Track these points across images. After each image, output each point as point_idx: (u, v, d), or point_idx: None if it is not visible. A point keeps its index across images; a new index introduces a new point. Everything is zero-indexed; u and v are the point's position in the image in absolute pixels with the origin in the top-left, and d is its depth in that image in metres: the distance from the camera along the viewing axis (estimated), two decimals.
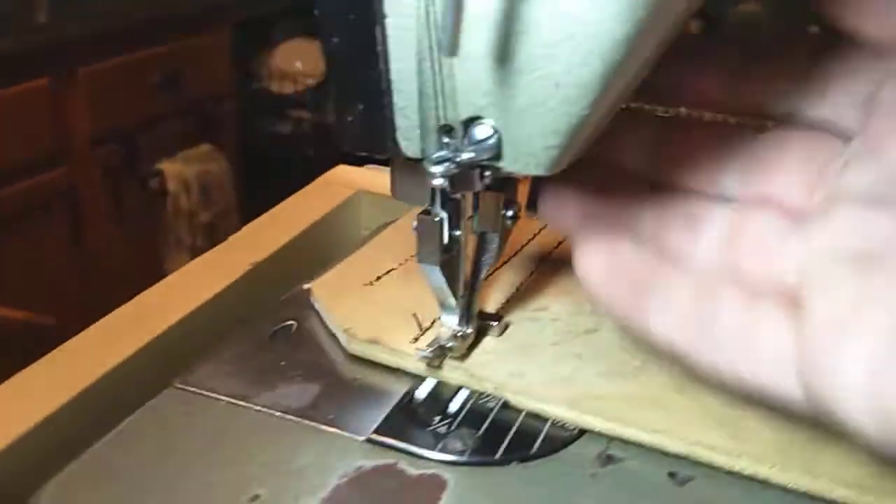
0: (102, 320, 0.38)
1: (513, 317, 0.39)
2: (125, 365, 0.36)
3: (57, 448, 0.32)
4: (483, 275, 0.37)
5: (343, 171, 0.56)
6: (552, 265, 0.44)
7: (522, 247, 0.46)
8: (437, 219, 0.33)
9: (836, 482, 0.30)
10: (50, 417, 0.33)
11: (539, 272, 0.43)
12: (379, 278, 0.42)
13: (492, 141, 0.28)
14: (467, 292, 0.36)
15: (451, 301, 0.36)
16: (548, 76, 0.26)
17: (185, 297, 0.41)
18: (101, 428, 0.33)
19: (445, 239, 0.34)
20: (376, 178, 0.54)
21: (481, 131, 0.28)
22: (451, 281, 0.35)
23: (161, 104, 1.47)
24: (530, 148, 0.28)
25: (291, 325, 0.40)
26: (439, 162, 0.28)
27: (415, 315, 0.38)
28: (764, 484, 0.31)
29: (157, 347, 0.37)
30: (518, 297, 0.41)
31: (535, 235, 0.47)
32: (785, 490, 0.30)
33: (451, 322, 0.36)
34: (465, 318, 0.36)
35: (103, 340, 0.37)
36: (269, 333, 0.39)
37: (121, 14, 1.40)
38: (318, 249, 0.49)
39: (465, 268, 0.36)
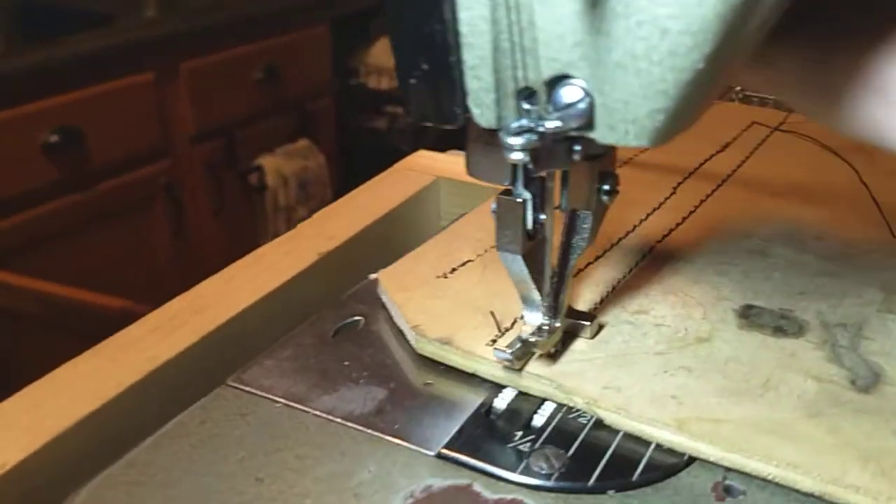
0: (157, 311, 0.35)
1: (609, 318, 0.34)
2: (176, 360, 0.33)
3: (95, 450, 0.29)
4: (573, 260, 0.32)
5: (422, 157, 0.52)
6: (656, 260, 0.39)
7: (620, 239, 0.41)
8: (518, 200, 0.28)
9: None
10: (90, 416, 0.30)
11: (640, 268, 0.38)
12: (454, 270, 0.38)
13: (582, 106, 0.23)
14: (555, 280, 0.31)
15: (535, 295, 0.31)
16: (651, 21, 0.21)
17: (246, 289, 0.38)
18: (146, 428, 0.30)
19: (529, 223, 0.29)
20: (458, 165, 0.49)
21: (569, 94, 0.23)
22: (536, 272, 0.31)
23: (261, 99, 1.48)
24: (630, 113, 0.23)
25: (358, 321, 0.36)
26: (519, 133, 0.24)
27: (492, 313, 0.33)
28: None
29: (212, 342, 0.34)
30: (615, 297, 0.36)
31: (635, 227, 0.41)
32: None
33: (535, 320, 0.31)
34: (553, 310, 0.31)
35: (156, 333, 0.34)
36: (333, 330, 0.35)
37: (223, 9, 1.42)
38: (392, 240, 0.45)
39: (552, 255, 0.31)
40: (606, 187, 0.31)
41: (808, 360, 0.31)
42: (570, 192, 0.31)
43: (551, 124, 0.23)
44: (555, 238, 0.31)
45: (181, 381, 0.32)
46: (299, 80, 1.54)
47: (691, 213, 0.43)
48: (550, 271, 0.31)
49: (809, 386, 0.30)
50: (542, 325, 0.31)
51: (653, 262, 0.39)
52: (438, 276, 0.37)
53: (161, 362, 0.32)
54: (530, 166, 0.25)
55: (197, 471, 0.28)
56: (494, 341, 0.32)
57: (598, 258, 0.39)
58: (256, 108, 1.48)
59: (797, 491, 0.26)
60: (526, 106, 0.24)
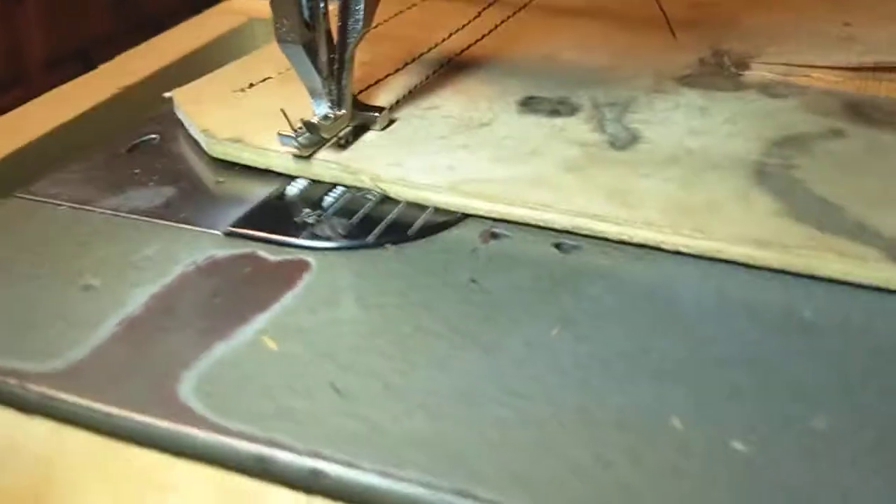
0: None
1: (401, 114, 0.36)
2: None
3: None
4: (351, 45, 0.32)
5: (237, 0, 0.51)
6: (453, 69, 0.40)
7: (422, 54, 0.42)
8: None
9: (732, 241, 0.27)
10: None
11: (438, 76, 0.39)
12: (252, 86, 0.38)
13: None
14: (336, 67, 0.32)
15: (318, 85, 0.32)
16: None
17: (42, 118, 0.37)
18: None
19: (305, 12, 0.30)
20: None
21: None
22: (319, 61, 0.31)
23: (118, 18, 1.38)
24: None
25: (154, 138, 0.36)
26: None
27: (283, 111, 0.34)
28: (655, 251, 0.28)
29: (7, 166, 0.34)
30: (409, 98, 0.37)
31: (437, 44, 0.43)
32: (678, 254, 0.27)
33: (321, 110, 0.32)
34: (337, 97, 0.32)
35: None
36: (128, 147, 0.35)
37: None
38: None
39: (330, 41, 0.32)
40: None
41: (575, 132, 0.34)
42: None
43: None
44: (332, 19, 0.32)
45: None
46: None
47: (491, 31, 0.45)
48: (328, 58, 0.32)
49: (573, 151, 0.32)
50: (328, 113, 0.32)
51: (450, 71, 0.40)
52: (235, 91, 0.38)
53: None
54: None
55: None
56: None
57: (398, 70, 0.40)
58: (114, 29, 1.39)
59: (553, 229, 0.29)
60: None
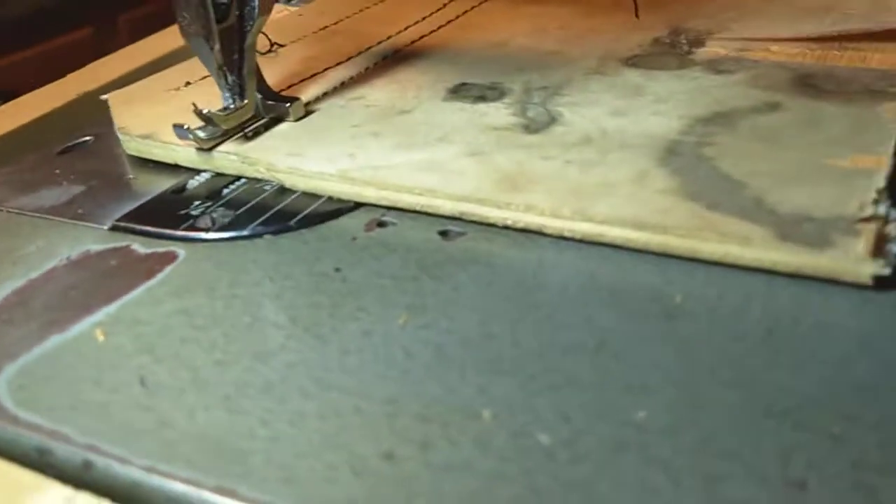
0: None
1: (323, 105, 0.35)
2: None
3: None
4: (250, 33, 0.32)
5: None
6: (398, 60, 0.39)
7: (370, 47, 0.41)
8: None
9: (613, 223, 0.25)
10: None
11: (379, 67, 0.38)
12: (188, 84, 0.38)
13: None
14: (237, 57, 0.31)
15: (222, 78, 0.31)
16: None
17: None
18: None
19: (209, 4, 0.30)
20: None
21: None
22: (219, 53, 0.31)
23: None
24: None
25: (87, 140, 0.36)
26: None
27: (194, 104, 0.34)
28: (541, 236, 0.26)
29: None
30: (340, 90, 0.36)
31: (390, 36, 0.42)
32: (564, 239, 0.25)
33: (227, 101, 0.32)
34: (238, 88, 0.32)
35: None
36: (61, 149, 0.36)
37: None
38: None
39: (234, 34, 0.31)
40: None
41: (494, 118, 0.32)
42: None
43: None
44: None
45: None
46: None
47: (450, 21, 0.44)
48: (230, 49, 0.31)
49: (483, 136, 0.31)
50: (228, 105, 0.32)
51: (393, 62, 0.39)
52: (169, 90, 0.38)
53: None
54: None
55: None
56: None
57: (339, 63, 0.39)
58: None
59: (443, 216, 0.27)
60: None
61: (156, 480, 0.18)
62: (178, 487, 0.18)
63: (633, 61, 0.36)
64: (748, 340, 0.20)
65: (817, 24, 0.37)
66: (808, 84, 0.32)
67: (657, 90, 0.33)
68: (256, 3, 0.31)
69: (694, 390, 0.19)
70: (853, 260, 0.21)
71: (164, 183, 0.32)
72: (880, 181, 0.24)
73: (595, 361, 0.20)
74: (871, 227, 0.22)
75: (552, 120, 0.31)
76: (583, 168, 0.28)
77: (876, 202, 0.23)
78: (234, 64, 0.32)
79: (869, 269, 0.21)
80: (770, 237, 0.22)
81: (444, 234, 0.27)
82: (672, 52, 0.37)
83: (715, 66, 0.34)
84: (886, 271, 0.21)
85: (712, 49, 0.36)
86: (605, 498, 0.16)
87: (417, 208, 0.28)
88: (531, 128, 0.31)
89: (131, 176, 0.33)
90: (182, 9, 0.30)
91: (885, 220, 0.22)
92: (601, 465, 0.17)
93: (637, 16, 0.41)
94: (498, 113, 0.32)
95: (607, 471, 0.17)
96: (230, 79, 0.32)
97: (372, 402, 0.20)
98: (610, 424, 0.18)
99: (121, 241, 0.28)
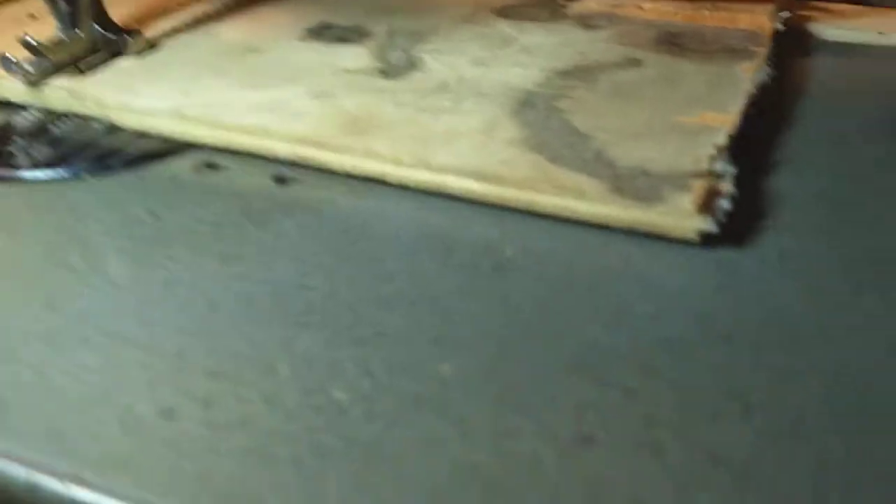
0: None
1: (174, 41, 0.32)
2: None
3: None
4: None
5: None
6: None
7: None
8: None
9: (454, 173, 0.23)
10: None
11: (237, 3, 0.36)
12: (33, 16, 0.35)
13: None
14: None
15: (56, 5, 0.28)
16: None
17: None
18: None
19: None
20: None
21: None
22: None
23: None
24: None
25: None
26: None
27: (26, 33, 0.31)
28: (382, 185, 0.24)
29: None
30: (193, 25, 0.34)
31: None
32: (402, 188, 0.24)
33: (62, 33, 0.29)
34: (71, 19, 0.29)
35: None
36: None
37: None
38: None
39: None
40: None
41: (349, 60, 0.30)
42: None
43: None
44: None
45: None
46: None
47: None
48: None
49: (336, 78, 0.29)
50: (60, 36, 0.29)
51: (267, 4, 0.36)
52: (14, 21, 0.34)
53: None
54: None
55: None
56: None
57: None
58: None
59: (278, 161, 0.25)
60: None
61: None
62: None
63: (505, 12, 0.35)
64: (569, 295, 0.19)
65: None
66: (672, 42, 0.31)
67: (524, 42, 0.32)
68: None
69: (504, 344, 0.18)
70: (680, 215, 0.20)
71: None
72: (721, 138, 0.23)
73: (409, 314, 0.19)
74: (702, 183, 0.21)
75: (411, 66, 0.30)
76: (434, 115, 0.26)
77: (713, 158, 0.22)
78: None
79: (695, 225, 0.20)
80: (604, 191, 0.22)
81: (281, 180, 0.25)
82: (547, 4, 0.35)
83: (586, 20, 0.33)
84: (713, 227, 0.20)
85: (586, 4, 0.35)
86: (389, 455, 0.15)
87: (252, 150, 0.26)
88: (388, 73, 0.29)
89: None
90: None
91: (719, 176, 0.22)
92: (393, 422, 0.16)
93: None
94: (355, 56, 0.31)
95: (398, 427, 0.16)
96: (63, 7, 0.29)
97: (161, 357, 0.18)
98: (412, 379, 0.17)
99: None
